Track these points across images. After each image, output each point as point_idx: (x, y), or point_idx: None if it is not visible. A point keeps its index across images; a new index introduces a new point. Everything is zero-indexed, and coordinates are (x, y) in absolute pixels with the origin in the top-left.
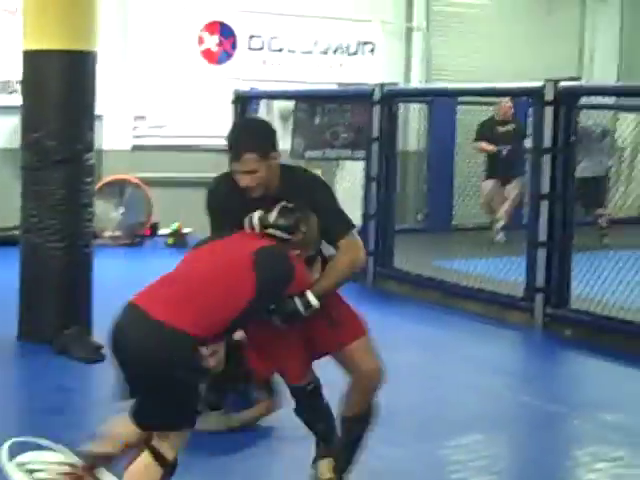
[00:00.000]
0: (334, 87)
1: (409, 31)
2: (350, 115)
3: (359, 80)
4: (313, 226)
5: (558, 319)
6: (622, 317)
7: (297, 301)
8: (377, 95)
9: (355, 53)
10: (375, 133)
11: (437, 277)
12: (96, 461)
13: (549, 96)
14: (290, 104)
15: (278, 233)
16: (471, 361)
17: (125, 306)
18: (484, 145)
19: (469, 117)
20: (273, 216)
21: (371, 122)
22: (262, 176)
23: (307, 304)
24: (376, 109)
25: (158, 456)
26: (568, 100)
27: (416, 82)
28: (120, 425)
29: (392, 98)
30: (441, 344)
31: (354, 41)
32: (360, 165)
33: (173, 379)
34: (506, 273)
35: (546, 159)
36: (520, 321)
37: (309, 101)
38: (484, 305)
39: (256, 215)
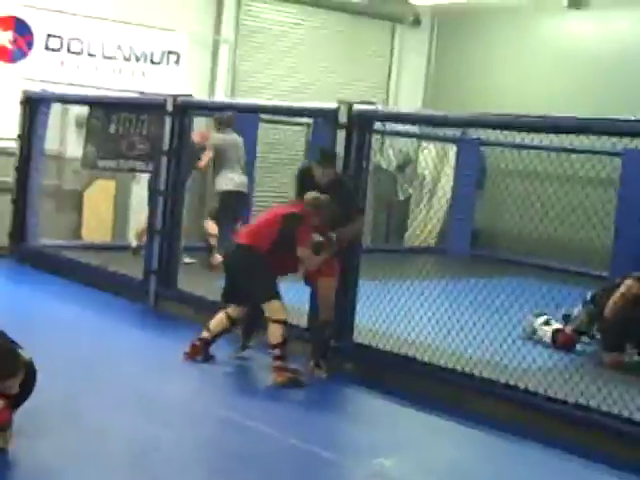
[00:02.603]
0: (135, 95)
1: (216, 43)
2: (147, 126)
3: (163, 90)
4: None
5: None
6: (405, 353)
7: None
8: (169, 106)
9: (160, 62)
10: (165, 146)
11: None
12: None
13: (342, 118)
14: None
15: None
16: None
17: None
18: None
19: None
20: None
21: (163, 134)
22: None
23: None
24: (168, 121)
25: (277, 321)
26: (362, 124)
27: (221, 95)
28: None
29: (185, 110)
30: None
31: (159, 50)
32: None
33: (253, 269)
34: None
35: None
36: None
37: (104, 108)
38: None
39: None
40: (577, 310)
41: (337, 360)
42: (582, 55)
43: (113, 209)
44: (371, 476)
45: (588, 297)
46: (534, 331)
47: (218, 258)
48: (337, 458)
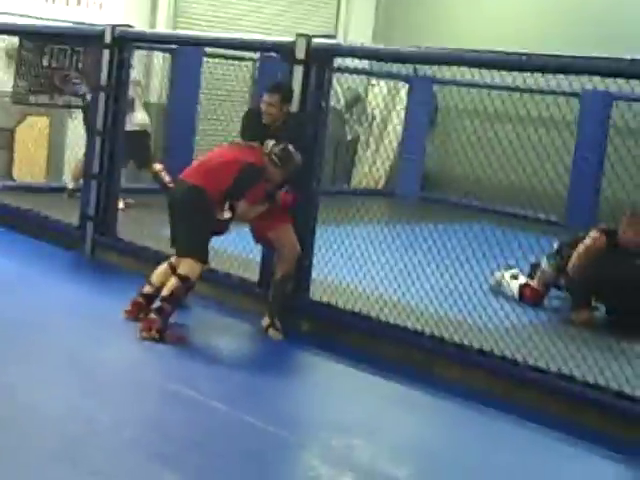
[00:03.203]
0: (70, 25)
1: None
2: (83, 59)
3: (100, 21)
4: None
5: (296, 310)
6: (368, 312)
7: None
8: (108, 37)
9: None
10: (103, 81)
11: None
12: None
13: (300, 54)
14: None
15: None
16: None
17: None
18: None
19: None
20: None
21: (100, 68)
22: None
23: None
24: (106, 54)
25: (180, 276)
26: (321, 59)
27: (162, 28)
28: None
29: (125, 42)
30: None
31: None
32: None
33: (196, 216)
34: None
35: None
36: None
37: (36, 39)
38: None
39: (270, 143)
40: (543, 263)
41: (292, 319)
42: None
43: (47, 148)
44: (337, 461)
45: (555, 248)
46: (501, 285)
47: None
48: (296, 439)
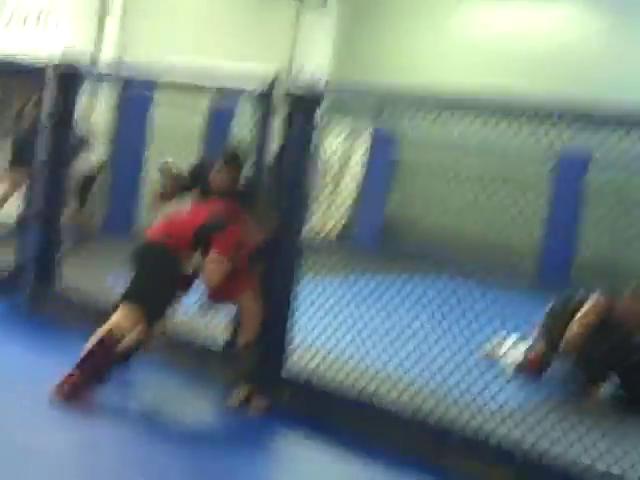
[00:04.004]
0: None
1: (103, 4)
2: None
3: (41, 55)
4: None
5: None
6: (360, 391)
7: None
8: (51, 73)
9: (38, 23)
10: (48, 116)
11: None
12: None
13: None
14: None
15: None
16: None
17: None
18: None
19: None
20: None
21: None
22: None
23: None
24: (51, 88)
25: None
26: (307, 105)
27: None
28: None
29: (71, 77)
30: None
31: (36, 9)
32: None
33: (154, 272)
34: None
35: None
36: None
37: None
38: None
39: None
40: (536, 331)
41: (271, 391)
42: (501, 47)
43: None
44: None
45: (546, 311)
46: (497, 352)
47: None
48: None
